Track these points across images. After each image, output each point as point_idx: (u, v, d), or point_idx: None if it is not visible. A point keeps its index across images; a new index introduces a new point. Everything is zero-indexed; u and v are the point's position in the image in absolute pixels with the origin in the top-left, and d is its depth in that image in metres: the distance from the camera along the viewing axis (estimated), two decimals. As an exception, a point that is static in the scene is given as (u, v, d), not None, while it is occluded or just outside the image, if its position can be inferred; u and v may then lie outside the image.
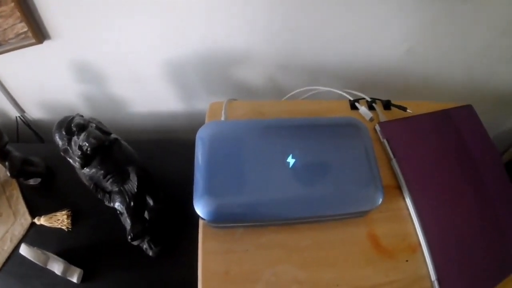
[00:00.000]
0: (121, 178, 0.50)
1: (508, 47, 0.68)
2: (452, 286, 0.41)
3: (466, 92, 0.80)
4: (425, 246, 0.43)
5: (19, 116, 0.86)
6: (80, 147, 0.47)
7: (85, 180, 0.52)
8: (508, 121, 0.91)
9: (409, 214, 0.45)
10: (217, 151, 0.41)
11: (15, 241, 0.65)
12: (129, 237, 0.51)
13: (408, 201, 0.46)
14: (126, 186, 0.50)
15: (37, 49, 0.68)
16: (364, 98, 0.54)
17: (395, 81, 0.75)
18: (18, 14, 0.62)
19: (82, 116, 0.50)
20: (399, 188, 0.47)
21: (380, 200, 0.41)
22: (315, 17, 0.62)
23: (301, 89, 0.57)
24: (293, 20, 0.62)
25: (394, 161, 0.48)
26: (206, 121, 0.49)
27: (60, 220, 0.64)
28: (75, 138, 0.48)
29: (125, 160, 0.51)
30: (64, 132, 0.49)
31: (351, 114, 0.52)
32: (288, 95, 0.58)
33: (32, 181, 0.71)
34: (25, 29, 0.65)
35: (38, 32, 0.66)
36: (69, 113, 0.52)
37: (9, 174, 0.65)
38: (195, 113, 0.87)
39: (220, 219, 0.39)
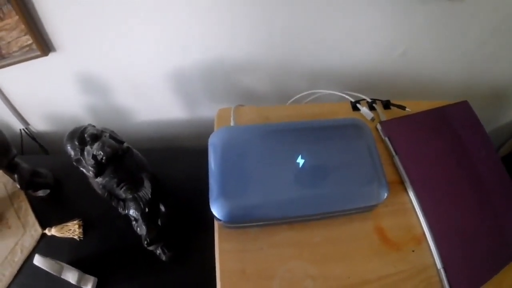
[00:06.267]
0: (135, 186, 0.52)
1: (500, 44, 0.70)
2: (457, 274, 0.43)
3: (462, 90, 0.82)
4: (429, 237, 0.45)
5: (23, 129, 0.87)
6: (94, 157, 0.48)
7: (98, 189, 0.53)
8: (505, 116, 0.94)
9: (413, 207, 0.48)
10: (229, 155, 0.43)
11: (26, 253, 0.65)
12: (145, 242, 0.52)
13: (411, 194, 0.48)
14: (140, 193, 0.51)
15: (42, 62, 0.69)
16: (364, 99, 0.56)
17: (393, 82, 0.78)
18: (22, 27, 0.63)
19: (94, 126, 0.52)
20: (402, 183, 0.50)
21: (385, 195, 0.43)
22: (313, 23, 0.64)
23: (304, 93, 0.60)
24: (292, 27, 0.64)
25: (396, 158, 0.50)
26: (215, 126, 0.51)
27: (71, 230, 0.65)
28: (88, 148, 0.50)
29: (138, 168, 0.53)
30: (76, 142, 0.50)
31: (353, 115, 0.55)
32: (292, 99, 0.61)
33: (41, 193, 0.72)
34: (30, 42, 0.65)
35: (43, 45, 0.66)
36: (73, 125, 0.53)
37: (18, 186, 0.66)
38: (199, 120, 0.89)
39: (235, 219, 0.41)
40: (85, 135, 0.49)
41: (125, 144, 0.52)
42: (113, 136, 0.50)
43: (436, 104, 0.57)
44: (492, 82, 0.82)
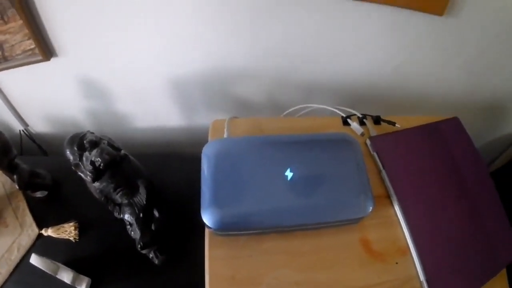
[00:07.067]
0: (131, 191, 0.54)
1: (491, 60, 0.72)
2: (440, 286, 0.45)
3: (453, 105, 0.84)
4: (413, 249, 0.47)
5: (23, 130, 0.88)
6: (92, 163, 0.50)
7: (95, 193, 0.55)
8: (497, 129, 0.95)
9: (398, 220, 0.49)
10: (221, 166, 0.44)
11: (23, 251, 0.67)
12: (139, 246, 0.54)
13: (397, 208, 0.50)
14: (135, 199, 0.53)
15: (43, 66, 0.71)
16: (355, 114, 0.58)
17: (385, 97, 0.79)
18: (26, 31, 0.64)
19: (93, 133, 0.53)
20: (388, 197, 0.51)
21: (371, 208, 0.45)
22: (308, 39, 0.66)
23: (297, 107, 0.61)
24: (288, 42, 0.67)
25: (383, 172, 0.52)
26: (209, 137, 0.53)
27: (67, 231, 0.66)
28: (86, 153, 0.51)
29: (134, 174, 0.55)
30: (76, 148, 0.52)
31: (343, 129, 0.57)
32: (285, 112, 0.62)
33: (39, 194, 0.73)
34: (33, 46, 0.67)
35: (46, 50, 0.68)
36: (72, 127, 0.55)
37: (17, 187, 0.67)
38: (195, 128, 0.90)
39: (225, 228, 0.43)
40: (84, 142, 0.51)
41: (123, 151, 0.54)
42: (111, 144, 0.52)
43: (427, 120, 0.58)
44: (484, 97, 0.84)
